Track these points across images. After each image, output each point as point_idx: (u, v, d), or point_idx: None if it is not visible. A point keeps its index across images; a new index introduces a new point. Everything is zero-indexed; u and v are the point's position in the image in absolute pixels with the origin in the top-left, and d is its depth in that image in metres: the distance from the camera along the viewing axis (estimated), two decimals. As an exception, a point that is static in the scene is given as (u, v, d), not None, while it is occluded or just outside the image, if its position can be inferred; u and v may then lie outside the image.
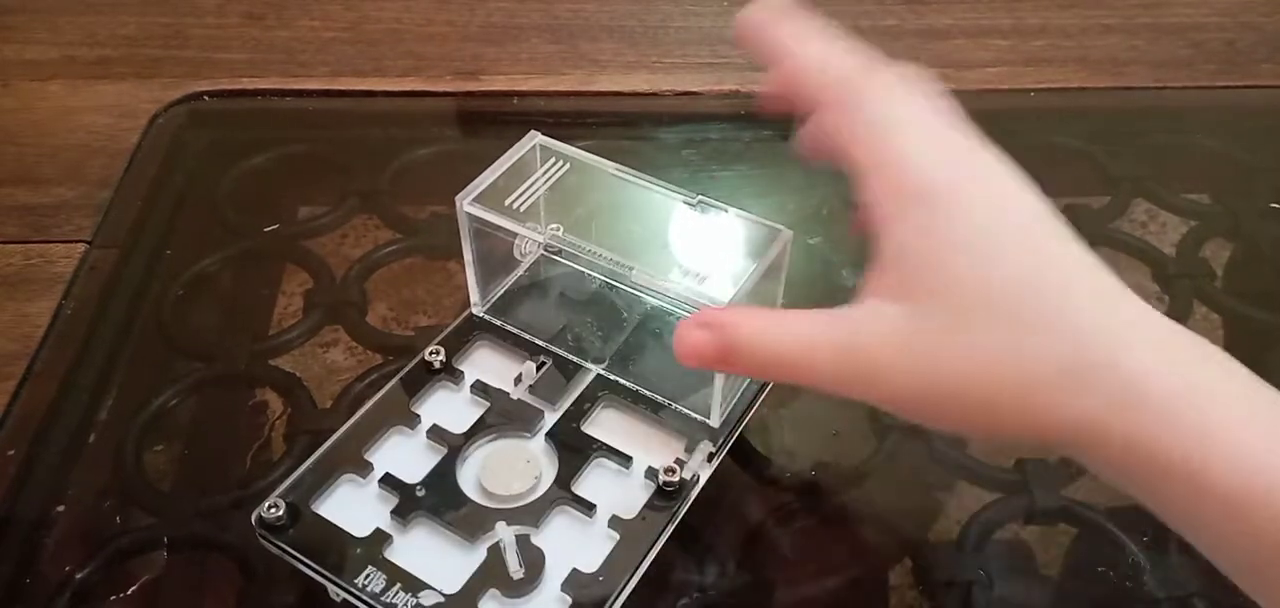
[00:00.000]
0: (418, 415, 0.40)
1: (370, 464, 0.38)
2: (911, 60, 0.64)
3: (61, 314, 0.48)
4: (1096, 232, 0.54)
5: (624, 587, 0.35)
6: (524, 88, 0.62)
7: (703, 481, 0.38)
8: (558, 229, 0.42)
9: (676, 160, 0.57)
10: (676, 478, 0.37)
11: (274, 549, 0.36)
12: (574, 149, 0.42)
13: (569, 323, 0.43)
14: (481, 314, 0.44)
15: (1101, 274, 0.30)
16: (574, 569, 0.35)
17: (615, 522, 0.37)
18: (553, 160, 0.42)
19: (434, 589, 0.34)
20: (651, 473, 0.38)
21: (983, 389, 0.29)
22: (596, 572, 0.35)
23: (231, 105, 0.61)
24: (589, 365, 0.41)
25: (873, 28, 0.66)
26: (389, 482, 0.38)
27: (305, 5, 0.68)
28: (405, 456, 0.39)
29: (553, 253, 0.41)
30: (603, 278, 0.43)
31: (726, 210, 0.39)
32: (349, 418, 0.40)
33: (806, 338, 0.32)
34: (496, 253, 0.42)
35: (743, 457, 0.43)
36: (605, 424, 0.40)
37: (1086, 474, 0.43)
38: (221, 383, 0.46)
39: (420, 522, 0.37)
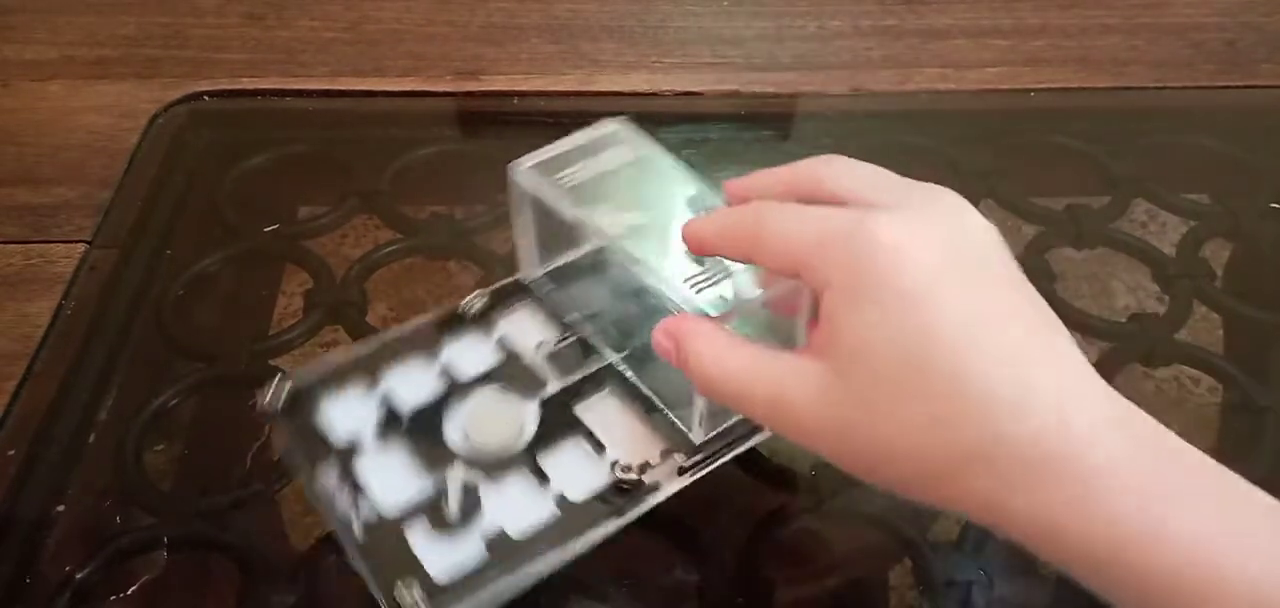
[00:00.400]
0: (439, 351, 0.42)
1: (379, 381, 0.41)
2: (912, 60, 0.65)
3: (61, 314, 0.48)
4: (1096, 232, 0.54)
5: (538, 560, 0.35)
6: (524, 88, 0.62)
7: (667, 492, 0.38)
8: (613, 218, 0.40)
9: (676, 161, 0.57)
10: (632, 478, 0.37)
11: (270, 424, 0.39)
12: (651, 142, 0.41)
13: (604, 310, 0.43)
14: (530, 280, 0.44)
15: (1031, 340, 0.30)
16: (502, 530, 0.36)
17: (562, 501, 0.37)
18: (624, 146, 0.42)
19: (376, 503, 0.36)
20: (614, 467, 0.38)
21: (893, 461, 0.30)
22: (521, 539, 0.36)
23: (231, 105, 0.61)
24: (608, 353, 0.42)
25: (873, 27, 0.66)
26: (386, 401, 0.40)
27: (305, 5, 0.68)
28: (413, 383, 0.41)
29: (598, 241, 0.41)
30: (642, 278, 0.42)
31: None
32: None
33: (748, 376, 0.32)
34: (550, 226, 0.42)
35: (743, 456, 0.43)
36: (598, 410, 0.40)
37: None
38: (221, 383, 0.46)
39: (396, 444, 0.39)
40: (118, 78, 0.62)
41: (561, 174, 0.41)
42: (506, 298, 0.44)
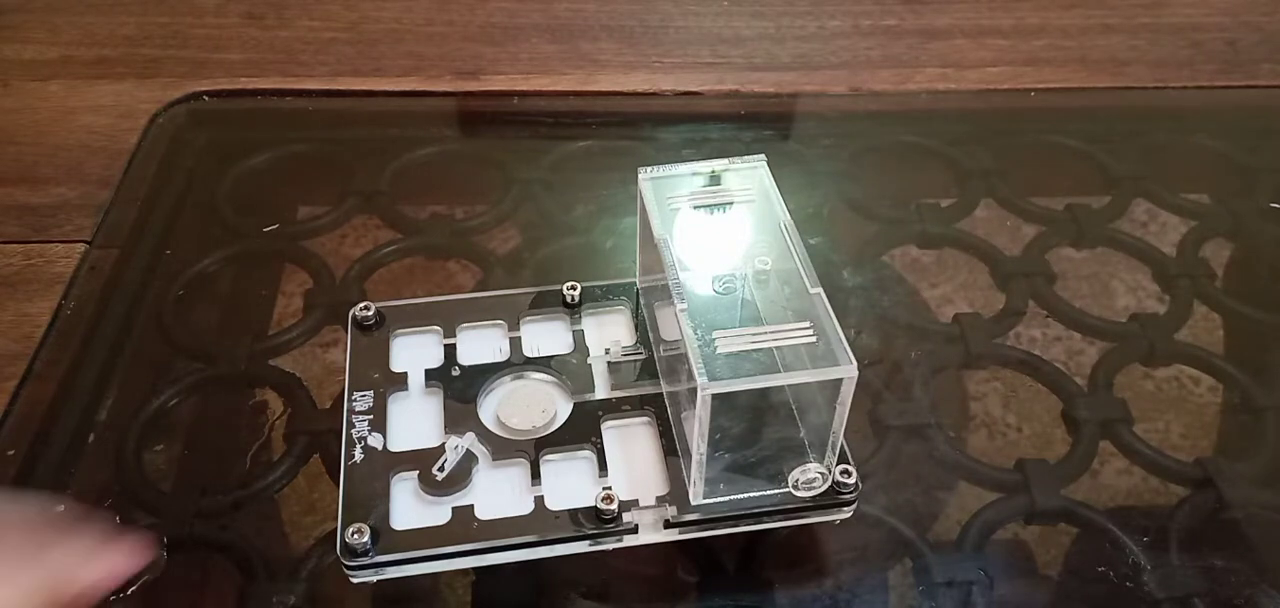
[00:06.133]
0: (520, 324, 0.43)
1: (455, 333, 0.43)
2: (912, 60, 0.64)
3: (61, 314, 0.48)
4: (1096, 232, 0.54)
5: (493, 549, 0.36)
6: (524, 88, 0.62)
7: (644, 538, 0.37)
8: (696, 252, 0.39)
9: (676, 160, 0.57)
10: (612, 509, 0.36)
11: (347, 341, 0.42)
12: (777, 196, 0.40)
13: (668, 341, 0.42)
14: (639, 286, 0.45)
15: None
16: (471, 507, 0.37)
17: (539, 503, 0.37)
18: (751, 188, 0.41)
19: (386, 437, 0.39)
20: (600, 493, 0.37)
21: None
22: (485, 522, 0.36)
23: (231, 105, 0.61)
24: (663, 383, 0.41)
25: (873, 27, 0.66)
26: (451, 353, 0.42)
27: (305, 5, 0.68)
28: (480, 347, 0.43)
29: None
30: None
31: (824, 314, 0.36)
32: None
33: None
34: (652, 240, 0.40)
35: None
36: (622, 433, 0.40)
37: (1086, 474, 0.43)
38: (221, 383, 0.46)
39: (434, 391, 0.41)
40: (117, 78, 0.62)
41: (680, 194, 0.41)
42: (612, 294, 0.45)
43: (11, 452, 0.42)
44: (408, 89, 0.62)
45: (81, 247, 0.51)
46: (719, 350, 0.34)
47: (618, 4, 0.68)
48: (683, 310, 0.36)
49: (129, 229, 0.52)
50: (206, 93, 0.61)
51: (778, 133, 0.61)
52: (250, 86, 0.61)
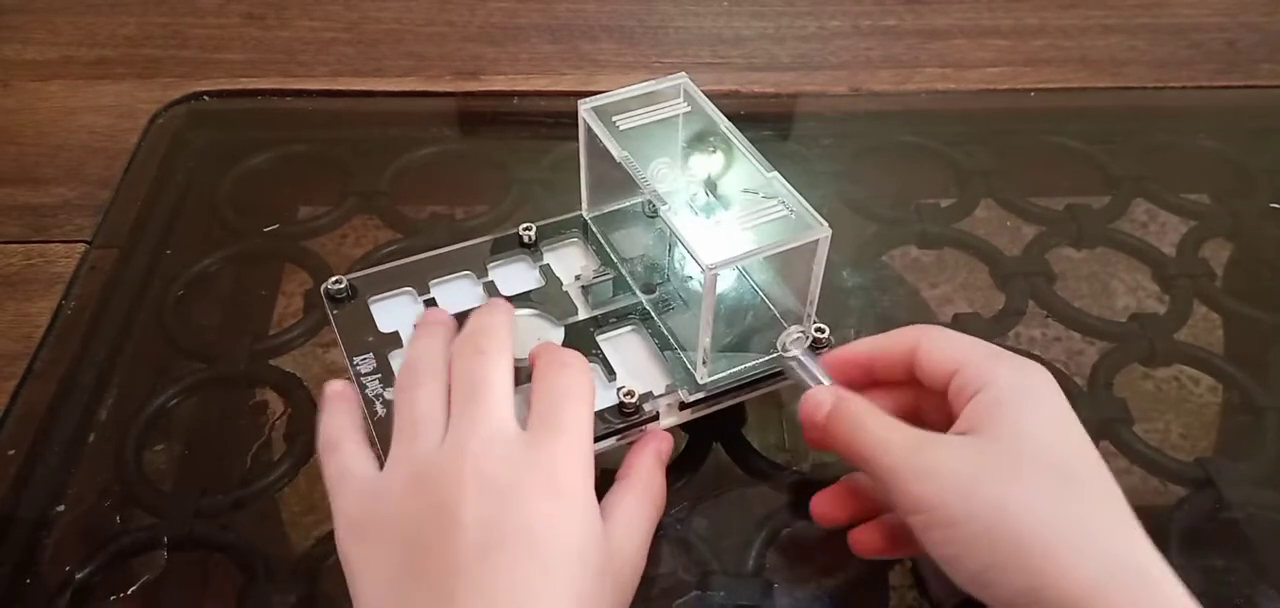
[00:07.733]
0: (487, 270, 0.45)
1: (428, 289, 0.44)
2: (912, 60, 0.64)
3: (61, 314, 0.48)
4: (1097, 232, 0.54)
5: None
6: (524, 88, 0.62)
7: (666, 422, 0.40)
8: (656, 168, 0.42)
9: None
10: (633, 403, 0.39)
11: (328, 314, 0.43)
12: (709, 104, 0.43)
13: (643, 253, 0.45)
14: (587, 217, 0.47)
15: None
16: None
17: None
18: (684, 104, 0.44)
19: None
20: (619, 391, 0.40)
21: (1041, 536, 0.31)
22: None
23: (231, 105, 0.61)
24: (637, 293, 0.44)
25: (873, 27, 0.66)
26: (431, 305, 0.43)
27: (305, 5, 0.68)
28: (457, 292, 0.45)
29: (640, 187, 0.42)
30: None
31: (786, 192, 0.39)
32: None
33: (886, 436, 0.35)
34: (605, 167, 0.43)
35: (743, 456, 0.43)
36: (617, 342, 0.43)
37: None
38: (221, 383, 0.46)
39: None
40: (118, 78, 0.62)
41: (623, 117, 0.43)
42: (562, 230, 0.47)
43: (11, 452, 0.42)
44: (408, 89, 0.62)
45: (81, 247, 0.51)
46: (708, 237, 0.37)
47: (618, 4, 0.68)
48: (668, 211, 0.39)
49: (129, 229, 0.52)
50: (206, 93, 0.61)
51: (778, 133, 0.61)
52: (250, 87, 0.61)
